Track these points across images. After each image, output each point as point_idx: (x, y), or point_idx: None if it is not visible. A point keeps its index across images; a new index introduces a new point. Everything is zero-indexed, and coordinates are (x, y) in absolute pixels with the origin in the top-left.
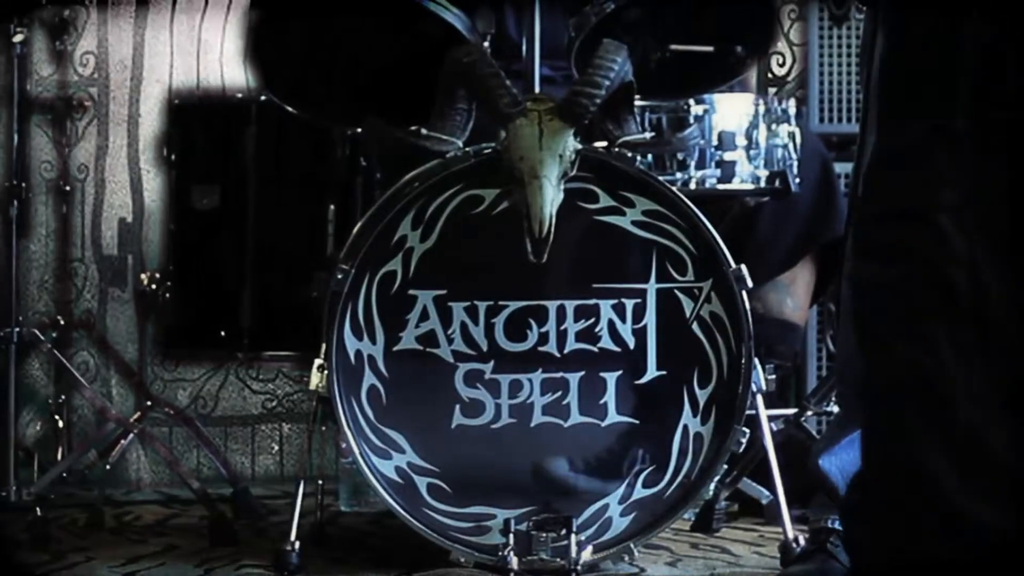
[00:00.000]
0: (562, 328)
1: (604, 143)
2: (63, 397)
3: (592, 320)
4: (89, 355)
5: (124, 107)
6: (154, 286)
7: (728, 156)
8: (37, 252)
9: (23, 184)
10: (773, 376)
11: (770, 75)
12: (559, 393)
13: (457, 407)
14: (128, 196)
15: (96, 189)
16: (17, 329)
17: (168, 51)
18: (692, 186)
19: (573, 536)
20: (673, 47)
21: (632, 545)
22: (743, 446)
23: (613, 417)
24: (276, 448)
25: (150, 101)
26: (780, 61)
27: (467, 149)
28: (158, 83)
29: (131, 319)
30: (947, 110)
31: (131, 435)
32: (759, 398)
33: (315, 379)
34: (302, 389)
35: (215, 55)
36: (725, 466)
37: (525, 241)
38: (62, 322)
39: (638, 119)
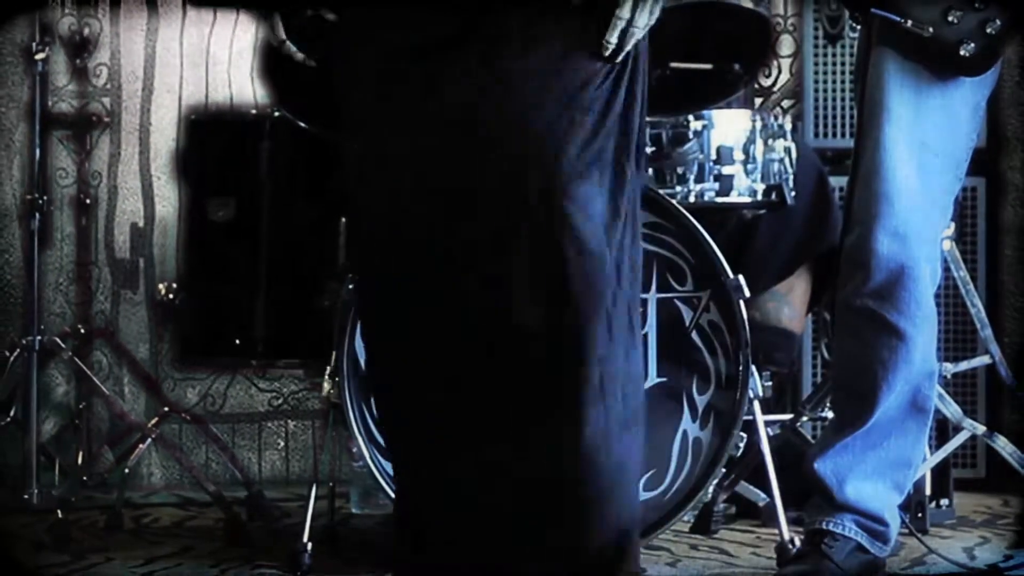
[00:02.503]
0: None
1: None
2: (83, 403)
3: None
4: (102, 355)
5: (136, 117)
6: (170, 296)
7: (726, 170)
8: (52, 256)
9: (44, 198)
10: (770, 383)
11: (757, 86)
12: None
13: None
14: (140, 202)
15: (109, 195)
16: (39, 337)
17: (178, 63)
18: (691, 199)
19: None
20: (673, 65)
21: None
22: (741, 450)
23: None
24: (282, 444)
25: (161, 111)
26: (766, 72)
27: None
28: (169, 94)
29: (143, 320)
30: None
31: (148, 440)
32: (756, 404)
33: (327, 386)
34: (307, 388)
35: (223, 67)
36: (723, 470)
37: None
38: (82, 331)
39: None
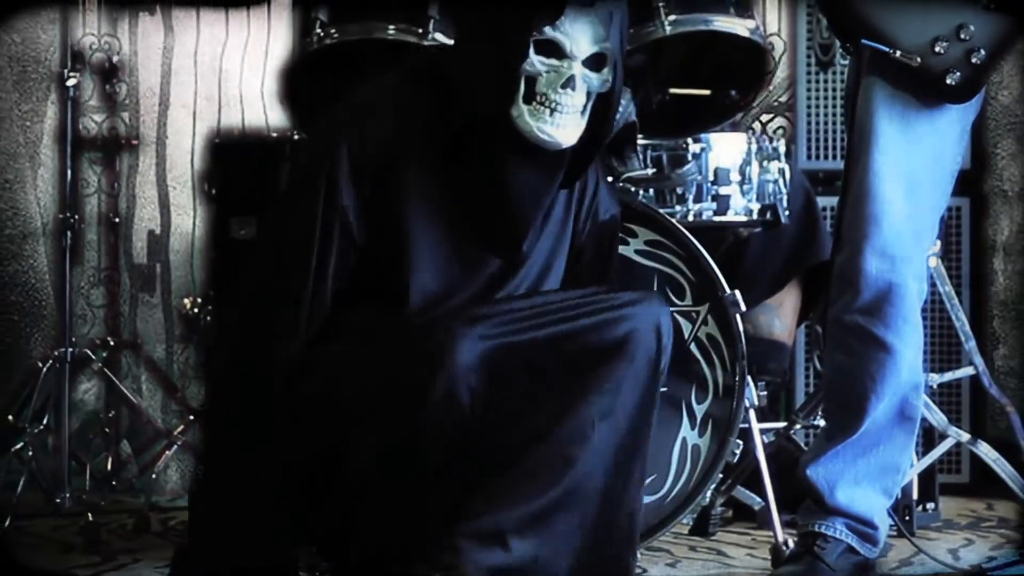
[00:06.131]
0: None
1: (610, 178)
2: (112, 412)
3: None
4: (122, 355)
5: (153, 130)
6: (195, 310)
7: (723, 190)
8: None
9: (75, 216)
10: (764, 392)
11: None
12: None
13: None
14: (157, 210)
15: (128, 204)
16: (71, 349)
17: (193, 79)
18: (690, 218)
19: None
20: (672, 90)
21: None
22: (737, 456)
23: None
24: None
25: (176, 124)
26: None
27: None
28: (183, 108)
29: (159, 322)
30: None
31: (175, 446)
32: (752, 412)
33: None
34: None
35: (235, 83)
36: (720, 475)
37: None
38: (111, 343)
39: (641, 156)
